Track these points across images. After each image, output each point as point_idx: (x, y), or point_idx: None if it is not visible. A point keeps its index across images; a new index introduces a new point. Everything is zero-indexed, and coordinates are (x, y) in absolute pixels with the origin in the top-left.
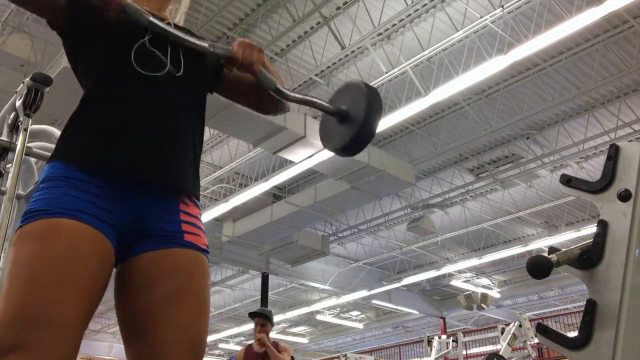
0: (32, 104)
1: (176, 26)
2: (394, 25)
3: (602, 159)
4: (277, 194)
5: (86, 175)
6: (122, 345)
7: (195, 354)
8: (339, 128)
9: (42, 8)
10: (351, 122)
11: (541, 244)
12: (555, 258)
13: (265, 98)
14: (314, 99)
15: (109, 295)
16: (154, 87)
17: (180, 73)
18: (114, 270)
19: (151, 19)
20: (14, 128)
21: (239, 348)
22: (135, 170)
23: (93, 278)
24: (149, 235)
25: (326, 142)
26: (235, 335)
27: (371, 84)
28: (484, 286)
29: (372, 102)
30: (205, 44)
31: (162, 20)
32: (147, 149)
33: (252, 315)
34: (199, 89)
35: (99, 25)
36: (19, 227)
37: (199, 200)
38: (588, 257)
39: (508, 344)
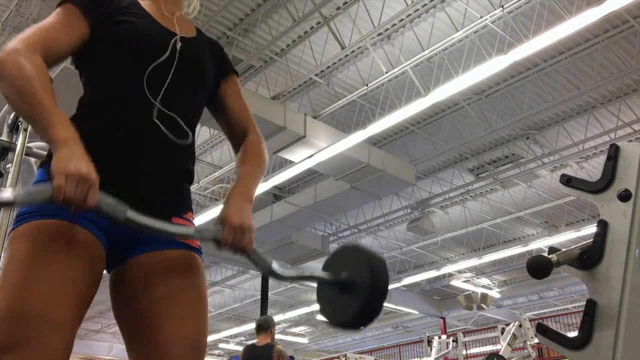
0: None
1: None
2: (394, 25)
3: (602, 159)
4: (277, 194)
5: None
6: (122, 345)
7: (197, 350)
8: (340, 300)
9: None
10: (354, 293)
11: (541, 244)
12: (555, 258)
13: (234, 144)
14: (310, 274)
15: (109, 295)
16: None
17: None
18: (108, 274)
19: (128, 214)
20: (14, 128)
21: (239, 348)
22: (132, 203)
23: (84, 278)
24: (142, 240)
25: (328, 316)
26: (236, 335)
27: (371, 84)
28: (484, 286)
29: (376, 270)
30: (190, 232)
31: (173, 14)
32: (146, 181)
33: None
34: (202, 105)
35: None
36: (12, 228)
37: (192, 211)
38: (588, 257)
39: (508, 344)
